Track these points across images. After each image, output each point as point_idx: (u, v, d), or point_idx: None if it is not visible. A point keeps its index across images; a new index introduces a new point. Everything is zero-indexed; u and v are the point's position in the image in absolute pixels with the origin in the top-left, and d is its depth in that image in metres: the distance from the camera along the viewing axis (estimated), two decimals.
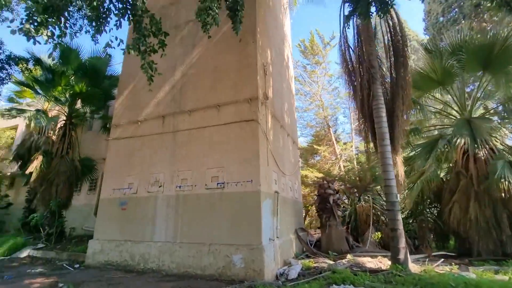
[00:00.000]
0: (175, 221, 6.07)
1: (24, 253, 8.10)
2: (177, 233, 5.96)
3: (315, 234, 9.60)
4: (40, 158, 9.29)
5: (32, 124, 9.96)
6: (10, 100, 12.35)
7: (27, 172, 9.02)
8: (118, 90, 8.56)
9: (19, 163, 12.13)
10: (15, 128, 15.76)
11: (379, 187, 9.72)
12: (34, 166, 9.11)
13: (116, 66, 12.82)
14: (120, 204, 6.93)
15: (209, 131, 6.43)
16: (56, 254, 7.73)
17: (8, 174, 13.67)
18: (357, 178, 10.38)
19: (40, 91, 10.70)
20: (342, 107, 18.87)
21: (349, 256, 6.09)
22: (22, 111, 10.61)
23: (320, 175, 11.96)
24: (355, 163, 11.85)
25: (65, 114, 10.68)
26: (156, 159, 6.89)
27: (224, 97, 6.53)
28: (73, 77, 10.33)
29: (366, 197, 9.16)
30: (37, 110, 10.29)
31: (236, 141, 6.05)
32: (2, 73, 9.72)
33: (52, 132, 13.08)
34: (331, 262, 5.86)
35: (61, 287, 4.88)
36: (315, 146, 16.00)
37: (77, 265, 6.75)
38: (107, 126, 10.57)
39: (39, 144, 12.10)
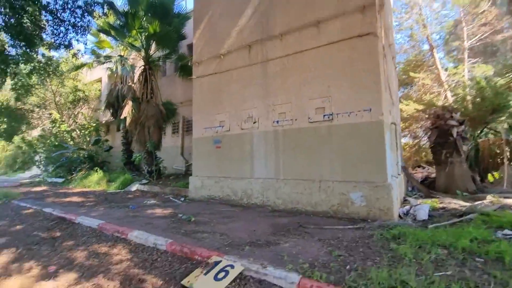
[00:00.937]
0: (276, 158, 5.73)
1: (134, 187, 9.16)
2: (279, 170, 5.65)
3: (415, 172, 8.56)
4: (130, 103, 9.78)
5: (119, 71, 10.30)
6: (93, 52, 13.04)
7: (122, 117, 9.67)
8: (194, 24, 7.90)
9: (111, 111, 13.27)
10: (99, 80, 17.17)
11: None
12: (127, 111, 9.67)
13: (182, 3, 12.10)
14: (214, 142, 6.87)
15: (308, 55, 5.45)
16: (160, 188, 8.51)
17: (103, 122, 15.37)
18: (476, 108, 8.38)
19: (117, 38, 10.80)
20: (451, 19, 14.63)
21: (489, 197, 5.04)
22: (108, 57, 11.03)
23: (421, 107, 10.18)
24: (469, 91, 9.60)
25: (143, 59, 10.74)
26: (246, 94, 6.36)
27: (325, 10, 5.28)
28: (144, 18, 10.00)
29: (491, 130, 7.45)
30: (120, 56, 10.49)
31: (345, 63, 4.98)
32: (83, 21, 9.93)
33: (131, 80, 13.76)
34: (465, 204, 4.93)
35: (181, 217, 5.14)
36: (411, 74, 13.34)
37: (182, 199, 7.26)
38: (184, 67, 10.41)
39: (124, 92, 12.91)
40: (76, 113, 15.87)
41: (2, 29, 9.18)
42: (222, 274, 2.87)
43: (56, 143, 12.77)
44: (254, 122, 6.12)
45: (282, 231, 4.11)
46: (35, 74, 13.74)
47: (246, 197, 6.02)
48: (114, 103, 12.88)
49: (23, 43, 9.26)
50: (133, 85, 13.70)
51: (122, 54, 12.75)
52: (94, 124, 14.81)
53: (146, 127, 9.68)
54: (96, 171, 11.05)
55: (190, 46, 12.07)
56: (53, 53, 13.38)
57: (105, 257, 3.59)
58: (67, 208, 6.36)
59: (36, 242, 4.23)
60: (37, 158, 15.99)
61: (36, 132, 16.80)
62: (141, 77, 10.71)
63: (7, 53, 10.22)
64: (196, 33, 7.66)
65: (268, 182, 5.72)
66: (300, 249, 3.34)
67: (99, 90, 16.81)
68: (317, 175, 5.09)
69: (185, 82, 10.94)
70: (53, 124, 13.56)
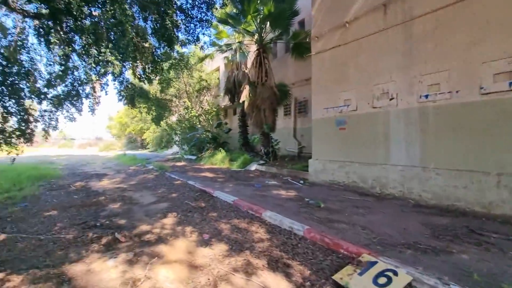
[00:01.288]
0: (422, 142, 4.65)
1: (253, 167, 9.80)
2: (427, 157, 4.56)
3: None
4: (247, 87, 10.30)
5: (237, 57, 10.99)
6: (213, 44, 14.49)
7: (240, 101, 10.34)
8: None
9: (229, 96, 14.57)
10: (217, 69, 19.19)
11: None
12: (244, 95, 10.25)
13: None
14: (337, 123, 6.29)
15: (478, 3, 3.96)
16: (277, 170, 8.72)
17: (222, 106, 17.24)
18: None
19: (234, 25, 11.44)
20: None
21: None
22: (228, 45, 11.94)
23: None
24: None
25: (256, 43, 11.01)
26: (380, 66, 5.38)
27: None
28: (259, 1, 10.09)
29: None
30: (239, 42, 11.10)
31: None
32: (207, 15, 11.03)
33: (245, 66, 14.59)
34: None
35: (309, 202, 4.95)
36: None
37: (301, 181, 7.14)
38: (297, 46, 10.03)
39: (239, 78, 13.86)
40: (201, 100, 18.43)
41: (151, 34, 11.19)
42: (383, 280, 2.42)
43: (189, 126, 15.32)
44: (391, 99, 5.13)
45: (446, 235, 3.25)
46: (172, 69, 16.63)
47: (378, 186, 5.25)
48: (232, 89, 14.04)
49: (165, 43, 11.15)
50: (246, 70, 14.50)
51: (237, 41, 13.60)
52: (215, 109, 16.78)
53: (262, 110, 10.02)
54: (220, 151, 12.52)
55: (301, 23, 11.52)
56: (183, 49, 15.70)
57: (246, 233, 3.76)
58: (205, 183, 7.36)
59: (189, 210, 4.97)
60: (176, 138, 19.73)
61: (174, 118, 20.63)
62: (255, 61, 11.07)
63: (155, 54, 12.66)
64: (315, 3, 7.03)
65: (411, 170, 4.73)
66: (492, 266, 2.46)
67: (218, 78, 18.81)
68: (493, 165, 3.77)
69: (297, 62, 10.60)
70: (186, 111, 16.27)
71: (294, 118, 11.61)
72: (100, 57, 6.12)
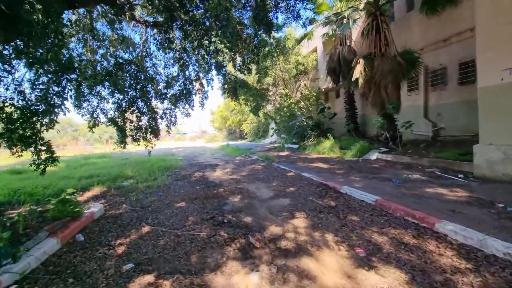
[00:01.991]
0: None
1: (373, 156, 8.18)
2: None
3: None
4: (361, 62, 8.61)
5: (343, 29, 9.36)
6: (311, 21, 13.15)
7: (353, 78, 8.76)
8: None
9: (332, 77, 13.01)
10: (314, 51, 17.70)
11: None
12: (358, 71, 8.60)
13: None
14: None
15: None
16: (411, 159, 6.86)
17: (322, 90, 15.77)
18: None
19: None
20: None
21: None
22: (328, 18, 10.46)
23: None
24: None
25: (371, 5, 9.04)
26: None
27: None
28: None
29: None
30: (351, 8, 9.43)
31: None
32: None
33: (349, 40, 12.63)
34: None
35: (508, 209, 3.24)
36: None
37: (461, 176, 5.20)
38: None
39: (345, 54, 12.09)
40: (298, 85, 17.46)
41: (250, 20, 10.80)
42: None
43: (289, 114, 14.66)
44: None
45: None
46: (269, 57, 16.24)
47: None
48: (335, 68, 12.43)
49: (263, 28, 10.62)
50: (352, 44, 12.53)
51: (340, 11, 11.80)
52: (315, 94, 15.49)
53: (382, 86, 8.17)
54: (327, 137, 11.29)
55: None
56: (278, 34, 14.96)
57: (423, 253, 2.60)
58: (322, 175, 6.39)
59: (319, 209, 4.10)
60: (273, 127, 19.55)
61: (269, 107, 20.50)
62: (368, 29, 9.15)
63: (254, 43, 12.41)
64: None
65: None
66: None
67: (315, 60, 17.34)
68: None
69: (427, 20, 8.17)
70: (285, 98, 15.67)
71: (424, 93, 9.13)
72: (211, 47, 5.96)
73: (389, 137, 8.64)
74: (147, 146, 9.48)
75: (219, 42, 5.96)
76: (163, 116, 11.42)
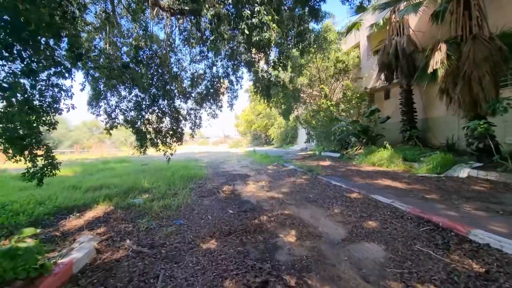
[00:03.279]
0: None
1: (461, 173, 6.04)
2: None
3: None
4: (444, 47, 6.55)
5: (398, 16, 7.36)
6: (358, 10, 11.23)
7: (429, 71, 6.70)
8: None
9: (385, 73, 10.92)
10: (357, 46, 15.63)
11: None
12: (438, 60, 6.54)
13: None
14: None
15: None
16: None
17: (367, 90, 13.62)
18: None
19: None
20: None
21: None
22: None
23: None
24: None
25: None
26: None
27: None
28: None
29: None
30: None
31: None
32: None
33: (407, 27, 10.50)
34: None
35: None
36: None
37: None
38: None
39: (403, 45, 10.00)
40: (335, 87, 15.46)
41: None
42: None
43: (332, 117, 12.69)
44: None
45: None
46: (309, 50, 14.45)
47: None
48: (391, 63, 10.35)
49: (310, 12, 8.90)
50: (412, 33, 10.42)
51: None
52: (358, 94, 13.40)
53: (475, 79, 6.05)
54: (380, 145, 9.20)
55: None
56: (316, 26, 13.13)
57: None
58: (407, 201, 4.45)
59: (460, 281, 2.24)
60: (306, 132, 17.58)
61: (300, 110, 18.59)
62: (451, 7, 7.06)
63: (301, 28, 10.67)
64: None
65: None
66: None
67: (357, 57, 15.27)
68: None
69: None
70: (324, 100, 13.73)
71: None
72: (253, 19, 4.35)
73: (479, 147, 6.44)
74: (166, 152, 8.08)
75: (264, 12, 4.32)
76: (187, 118, 10.05)
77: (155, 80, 8.86)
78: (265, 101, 12.24)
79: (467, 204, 4.07)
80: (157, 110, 8.84)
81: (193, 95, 10.72)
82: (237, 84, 10.88)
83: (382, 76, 11.05)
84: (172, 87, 10.00)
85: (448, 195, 4.67)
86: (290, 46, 10.76)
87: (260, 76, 11.33)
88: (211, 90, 10.58)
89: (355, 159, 10.16)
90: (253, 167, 11.50)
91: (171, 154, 8.18)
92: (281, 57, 10.72)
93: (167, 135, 8.36)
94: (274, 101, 17.12)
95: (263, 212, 4.47)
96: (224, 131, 71.28)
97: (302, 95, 16.07)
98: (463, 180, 5.75)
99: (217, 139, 67.21)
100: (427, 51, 7.11)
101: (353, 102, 13.35)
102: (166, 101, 9.23)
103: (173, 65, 10.48)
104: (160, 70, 9.20)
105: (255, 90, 11.45)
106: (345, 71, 15.05)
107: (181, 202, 5.24)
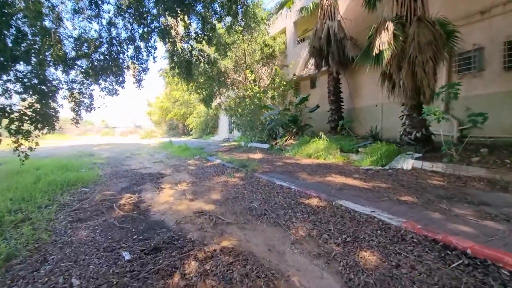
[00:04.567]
0: None
1: (405, 164, 5.63)
2: None
3: None
4: (391, 27, 5.96)
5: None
6: None
7: (375, 51, 6.05)
8: None
9: (315, 59, 10.32)
10: (283, 32, 14.89)
11: None
12: (385, 40, 5.94)
13: None
14: None
15: None
16: (489, 172, 4.45)
17: (294, 77, 12.98)
18: None
19: None
20: None
21: None
22: None
23: None
24: None
25: None
26: None
27: None
28: None
29: None
30: None
31: None
32: None
33: (338, 14, 10.11)
34: None
35: None
36: None
37: None
38: None
39: (335, 30, 9.51)
40: (264, 72, 14.41)
41: None
42: None
43: (260, 105, 11.41)
44: None
45: None
46: (232, 31, 12.70)
47: None
48: (322, 48, 9.76)
49: None
50: (341, 20, 10.07)
51: None
52: (285, 82, 12.64)
53: (419, 64, 5.69)
54: (317, 136, 8.48)
55: None
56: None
57: None
58: (385, 207, 3.41)
59: None
60: (229, 121, 16.04)
61: (223, 97, 16.93)
62: None
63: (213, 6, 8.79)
64: None
65: None
66: None
67: (283, 43, 14.54)
68: None
69: None
70: (251, 85, 12.38)
71: (447, 81, 7.07)
72: None
73: (416, 137, 6.26)
74: (18, 147, 5.01)
75: None
76: (71, 95, 6.91)
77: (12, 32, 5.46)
78: (185, 81, 9.93)
79: (457, 209, 3.28)
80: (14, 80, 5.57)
81: (78, 63, 7.47)
82: (148, 56, 8.19)
83: (310, 64, 10.45)
84: (41, 48, 6.64)
85: (420, 195, 3.89)
86: (216, 16, 8.84)
87: (179, 48, 8.98)
88: (108, 58, 7.60)
89: (287, 150, 9.24)
90: (170, 163, 9.18)
91: (30, 149, 5.13)
92: (205, 28, 8.69)
93: (24, 118, 5.21)
94: (194, 86, 14.82)
95: (188, 247, 2.62)
96: (135, 121, 62.88)
97: (227, 79, 14.34)
98: (412, 172, 5.30)
99: (126, 129, 58.43)
100: (370, 31, 6.47)
101: (281, 89, 12.52)
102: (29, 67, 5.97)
103: (45, 17, 6.98)
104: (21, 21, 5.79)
105: (171, 65, 9.02)
106: (272, 56, 14.11)
107: (28, 239, 2.79)
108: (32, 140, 5.28)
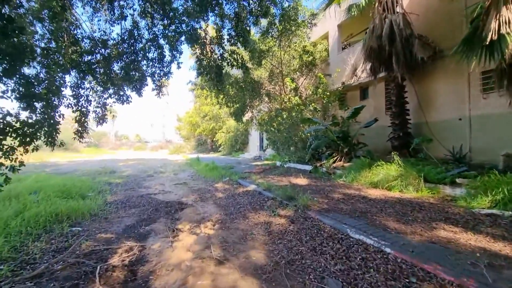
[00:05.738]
0: None
1: None
2: None
3: None
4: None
5: None
6: None
7: (488, 40, 4.06)
8: None
9: (372, 63, 8.45)
10: (325, 37, 13.23)
11: None
12: (505, 20, 3.93)
13: None
14: None
15: None
16: None
17: (339, 88, 11.09)
18: None
19: None
20: None
21: None
22: None
23: None
24: None
25: None
26: None
27: None
28: None
29: None
30: None
31: None
32: None
33: (399, 6, 8.24)
34: None
35: None
36: None
37: None
38: None
39: (400, 25, 7.61)
40: (302, 82, 12.73)
41: None
42: None
43: (302, 118, 9.64)
44: None
45: None
46: (268, 36, 11.35)
47: None
48: (383, 47, 7.86)
49: None
50: (406, 14, 8.19)
51: None
52: (328, 93, 10.79)
53: None
54: (388, 161, 6.42)
55: None
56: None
57: None
58: None
59: None
60: (261, 137, 14.40)
61: (255, 111, 15.42)
62: None
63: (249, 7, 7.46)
64: None
65: None
66: None
67: (325, 50, 12.83)
68: None
69: None
70: (292, 95, 10.73)
71: None
72: None
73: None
74: None
75: None
76: (77, 103, 5.74)
77: None
78: (215, 89, 8.63)
79: None
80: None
81: (94, 67, 6.35)
82: (172, 58, 6.92)
83: (359, 71, 8.56)
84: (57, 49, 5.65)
85: None
86: (252, 17, 7.50)
87: (208, 51, 7.68)
88: (128, 62, 6.42)
89: (339, 175, 7.25)
90: (194, 186, 7.67)
91: (13, 170, 3.82)
92: (239, 27, 7.32)
93: (8, 129, 3.97)
94: (224, 99, 13.57)
95: None
96: (166, 136, 64.33)
97: (261, 89, 12.88)
98: None
99: (157, 144, 59.76)
100: (476, 11, 4.51)
101: (324, 101, 10.68)
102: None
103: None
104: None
105: (199, 70, 7.70)
106: (312, 65, 12.44)
107: None
108: (16, 158, 3.99)
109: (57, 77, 5.48)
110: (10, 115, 3.89)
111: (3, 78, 4.22)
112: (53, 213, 4.14)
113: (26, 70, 5.08)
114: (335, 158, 8.54)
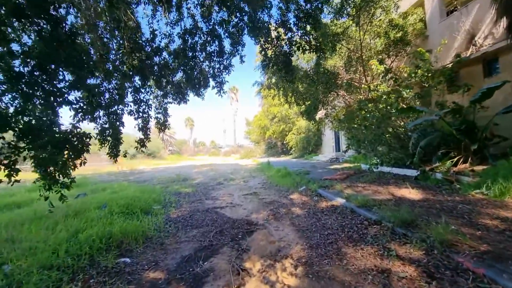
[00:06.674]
0: None
1: None
2: None
3: None
4: None
5: None
6: None
7: None
8: None
9: (508, 22, 5.74)
10: (420, 4, 10.45)
11: None
12: None
13: None
14: None
15: None
16: None
17: (448, 65, 8.28)
18: None
19: None
20: None
21: None
22: None
23: None
24: None
25: None
26: None
27: None
28: None
29: None
30: None
31: None
32: None
33: None
34: None
35: None
36: None
37: None
38: None
39: None
40: (391, 64, 10.27)
41: None
42: None
43: (401, 107, 7.42)
44: None
45: None
46: (343, 14, 9.52)
47: None
48: None
49: None
50: None
51: None
52: (429, 74, 8.12)
53: None
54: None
55: None
56: None
57: None
58: None
59: None
60: (333, 136, 12.33)
61: (328, 108, 13.41)
62: None
63: None
64: None
65: None
66: None
67: (421, 20, 10.05)
68: None
69: None
70: (383, 79, 8.61)
71: None
72: None
73: None
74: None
75: None
76: (139, 110, 5.29)
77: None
78: (284, 81, 7.42)
79: None
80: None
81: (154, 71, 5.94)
82: (234, 51, 6.00)
83: (481, 37, 5.87)
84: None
85: None
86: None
87: (273, 37, 6.48)
88: (189, 62, 5.78)
89: (470, 184, 4.91)
90: (266, 197, 6.52)
91: (66, 186, 3.38)
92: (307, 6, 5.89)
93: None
94: (294, 97, 12.23)
95: None
96: (237, 141, 66.82)
97: (337, 80, 11.00)
98: None
99: (229, 149, 62.62)
100: None
101: (429, 84, 8.10)
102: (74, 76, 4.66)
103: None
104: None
105: (264, 62, 6.54)
106: (403, 42, 9.88)
107: None
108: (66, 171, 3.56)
109: (119, 86, 5.16)
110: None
111: (70, 91, 3.92)
112: (106, 236, 3.54)
113: (90, 81, 4.87)
114: (456, 159, 6.07)
